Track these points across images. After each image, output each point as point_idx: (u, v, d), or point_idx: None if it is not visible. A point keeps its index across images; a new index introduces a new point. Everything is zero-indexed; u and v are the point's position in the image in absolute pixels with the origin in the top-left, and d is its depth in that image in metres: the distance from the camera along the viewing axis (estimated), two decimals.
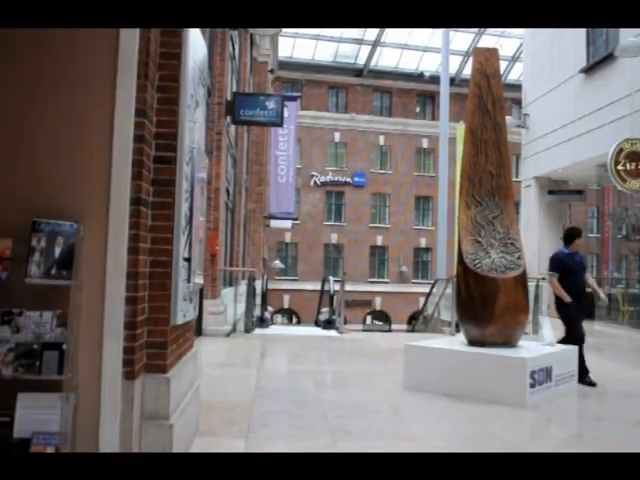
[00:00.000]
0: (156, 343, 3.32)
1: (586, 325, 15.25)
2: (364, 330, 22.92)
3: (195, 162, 3.77)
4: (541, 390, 5.63)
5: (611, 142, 12.23)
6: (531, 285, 10.85)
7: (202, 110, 4.28)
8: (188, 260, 3.64)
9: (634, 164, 11.92)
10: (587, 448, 4.35)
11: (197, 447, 3.83)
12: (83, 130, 3.00)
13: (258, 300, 14.51)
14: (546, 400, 5.62)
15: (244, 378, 6.46)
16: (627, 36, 12.80)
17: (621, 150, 11.89)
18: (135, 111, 3.07)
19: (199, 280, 4.14)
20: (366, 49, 35.73)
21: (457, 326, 9.33)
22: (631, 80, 13.00)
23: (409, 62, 36.92)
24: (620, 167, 11.91)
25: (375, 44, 35.06)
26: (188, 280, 3.67)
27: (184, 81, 3.51)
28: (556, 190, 17.65)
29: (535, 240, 17.41)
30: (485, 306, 5.87)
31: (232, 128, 13.55)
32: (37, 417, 2.71)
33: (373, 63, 36.85)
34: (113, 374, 2.95)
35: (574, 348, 6.62)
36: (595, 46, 15.36)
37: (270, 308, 16.17)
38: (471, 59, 7.07)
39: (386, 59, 36.66)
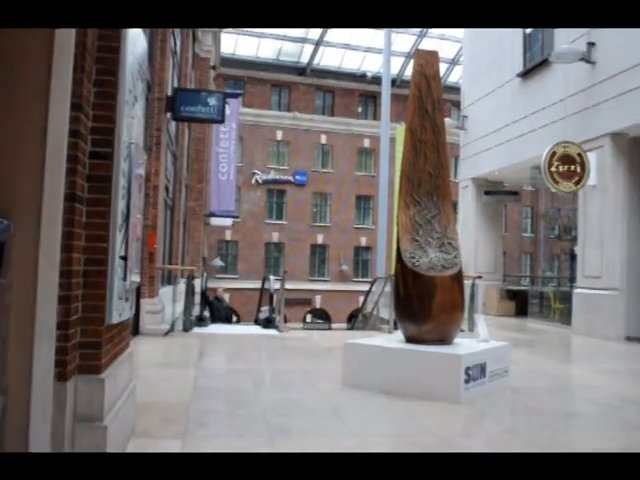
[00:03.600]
0: (90, 343, 3.24)
1: (519, 322, 15.78)
2: (304, 328, 23.00)
3: (133, 158, 3.70)
4: (475, 386, 5.77)
5: (545, 145, 12.61)
6: (467, 284, 11.10)
7: (141, 105, 4.20)
8: (124, 258, 3.57)
9: (566, 167, 12.32)
10: (519, 441, 4.49)
11: (132, 448, 3.76)
12: (15, 124, 2.90)
13: (197, 299, 14.37)
14: (480, 395, 5.76)
15: (181, 378, 6.38)
16: (562, 43, 13.24)
17: (554, 153, 12.28)
18: (71, 105, 2.99)
19: (136, 279, 4.07)
20: (309, 48, 35.83)
21: (395, 324, 9.45)
22: (565, 85, 13.46)
23: (352, 62, 37.21)
24: (553, 169, 12.29)
25: (318, 43, 35.19)
26: (124, 279, 3.60)
27: (122, 75, 3.44)
28: (492, 191, 18.09)
29: (472, 239, 17.83)
30: (422, 304, 5.97)
31: (172, 124, 13.35)
32: None
33: (316, 62, 36.98)
34: (44, 375, 2.87)
35: (507, 345, 6.82)
36: (531, 51, 15.82)
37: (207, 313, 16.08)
38: (412, 61, 7.17)
39: (329, 58, 36.85)
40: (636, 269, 11.92)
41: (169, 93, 11.31)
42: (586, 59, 12.40)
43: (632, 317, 11.75)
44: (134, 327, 8.88)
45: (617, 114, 11.78)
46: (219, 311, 16.01)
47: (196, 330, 11.09)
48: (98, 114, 3.33)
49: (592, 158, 12.30)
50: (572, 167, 12.29)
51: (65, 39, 2.94)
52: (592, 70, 12.49)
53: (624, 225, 11.94)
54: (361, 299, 17.99)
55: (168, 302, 11.32)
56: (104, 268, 3.31)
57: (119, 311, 3.52)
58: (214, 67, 24.16)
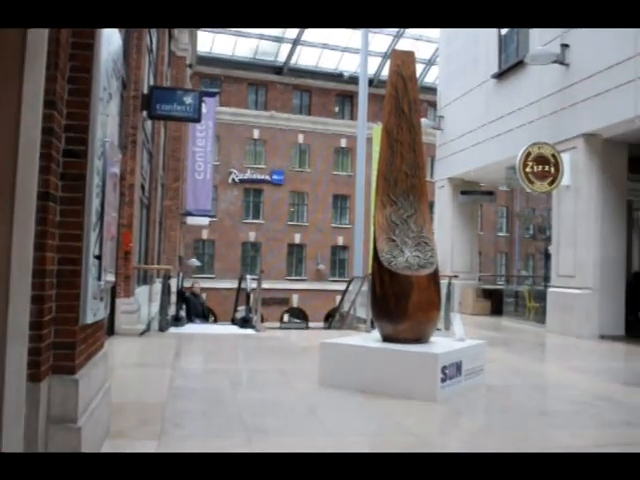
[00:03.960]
0: (64, 343, 3.20)
1: (495, 321, 15.92)
2: (281, 328, 22.97)
3: (107, 156, 3.67)
4: (452, 384, 5.81)
5: (520, 146, 12.74)
6: (443, 283, 11.17)
7: (116, 103, 4.16)
8: (99, 257, 3.54)
9: (541, 167, 12.46)
10: (495, 439, 4.54)
11: (107, 449, 3.72)
12: None
13: (173, 298, 14.28)
14: (456, 394, 5.80)
15: (157, 378, 6.34)
16: (536, 44, 13.39)
17: (529, 153, 12.41)
18: (44, 102, 2.95)
19: (111, 278, 4.03)
20: (286, 47, 35.81)
21: (372, 323, 9.49)
22: (539, 87, 13.61)
23: (329, 62, 37.27)
24: (528, 170, 12.42)
25: (295, 43, 35.18)
26: (99, 278, 3.56)
27: (97, 73, 3.40)
28: (468, 191, 18.22)
29: (448, 239, 17.95)
30: (399, 303, 6.00)
31: (148, 123, 13.24)
32: None
33: (293, 61, 36.96)
34: (17, 376, 2.82)
35: (483, 343, 6.89)
36: (507, 53, 15.97)
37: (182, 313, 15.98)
38: (389, 61, 7.19)
39: (306, 58, 36.86)
40: (609, 268, 12.10)
41: (145, 91, 11.22)
42: (560, 61, 12.55)
43: (605, 316, 11.93)
44: (109, 327, 8.79)
45: (590, 115, 11.95)
46: (195, 307, 15.82)
47: (172, 330, 11.01)
48: (72, 111, 3.29)
49: (566, 159, 12.46)
50: (546, 167, 12.44)
51: (38, 35, 2.90)
52: (566, 72, 12.65)
53: (597, 225, 12.11)
54: (338, 298, 18.02)
55: (144, 302, 11.23)
56: (78, 267, 3.27)
57: (93, 311, 3.48)
58: (190, 65, 24.06)
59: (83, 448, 3.16)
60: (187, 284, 18.22)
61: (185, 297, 15.95)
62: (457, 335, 6.71)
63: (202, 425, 4.63)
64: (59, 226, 3.21)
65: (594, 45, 11.85)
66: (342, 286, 18.44)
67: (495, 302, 17.36)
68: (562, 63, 12.59)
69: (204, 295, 33.51)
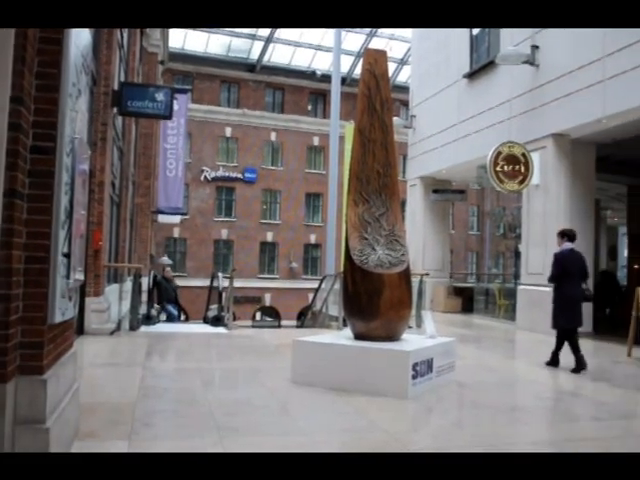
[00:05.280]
0: (31, 343, 3.15)
1: (466, 318, 16.06)
2: (253, 326, 22.84)
3: (76, 153, 3.61)
4: (423, 381, 5.86)
5: (491, 145, 12.87)
6: (415, 281, 11.24)
7: (85, 99, 4.10)
8: (67, 256, 3.48)
9: (511, 166, 12.61)
10: (465, 435, 4.58)
11: (76, 450, 3.68)
12: None
13: (144, 297, 14.14)
14: (428, 391, 5.85)
15: (128, 378, 6.27)
16: (507, 45, 13.53)
17: (500, 153, 12.54)
18: (10, 98, 2.90)
19: (80, 277, 3.97)
20: (259, 45, 35.67)
21: (344, 321, 9.51)
22: (510, 87, 13.77)
23: (302, 60, 37.20)
24: (499, 169, 12.56)
25: (268, 40, 35.06)
26: (67, 277, 3.51)
27: (66, 68, 3.34)
28: (440, 189, 18.35)
29: (420, 237, 18.07)
30: (370, 301, 6.02)
31: (119, 119, 13.07)
32: None
33: (266, 59, 36.82)
34: None
35: (454, 340, 6.96)
36: (478, 53, 16.12)
37: (157, 305, 15.74)
38: (362, 60, 7.21)
39: (279, 56, 36.74)
40: None
41: (115, 87, 11.07)
42: (530, 62, 12.71)
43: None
44: (79, 326, 8.68)
45: (559, 116, 12.12)
46: (167, 292, 15.34)
47: (143, 329, 10.91)
48: (40, 107, 3.23)
49: (536, 158, 12.62)
50: (517, 167, 12.59)
51: (4, 29, 2.84)
52: (536, 72, 12.81)
53: (566, 224, 12.26)
54: (311, 297, 18.02)
55: (114, 301, 11.10)
56: (46, 266, 3.21)
57: (62, 310, 3.43)
58: (162, 62, 23.83)
59: (51, 449, 3.11)
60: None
61: (157, 281, 15.57)
62: (428, 333, 6.76)
63: (173, 425, 4.59)
64: (26, 224, 3.15)
65: (563, 47, 12.03)
66: (315, 284, 18.44)
67: (466, 300, 17.52)
68: (532, 64, 12.75)
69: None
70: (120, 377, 6.44)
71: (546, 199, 12.58)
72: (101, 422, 4.39)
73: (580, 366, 7.52)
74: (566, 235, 8.23)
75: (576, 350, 7.66)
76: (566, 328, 7.86)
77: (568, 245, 8.12)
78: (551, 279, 8.16)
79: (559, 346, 7.92)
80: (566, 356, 9.65)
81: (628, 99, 10.33)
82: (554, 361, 7.91)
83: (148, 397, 5.38)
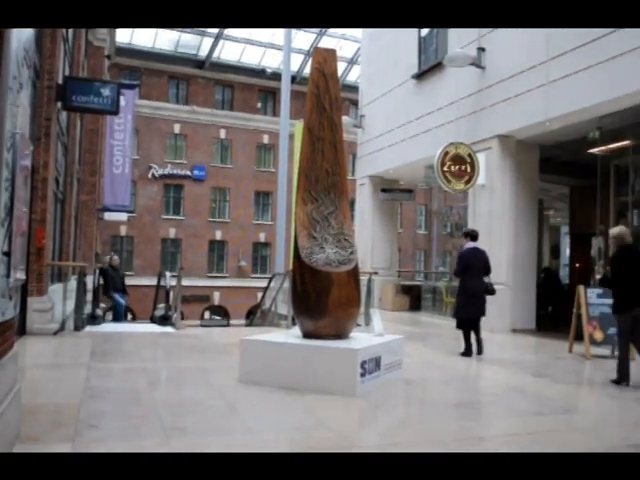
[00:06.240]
0: None
1: (413, 316, 16.24)
2: (202, 325, 22.68)
3: (18, 149, 3.52)
4: (371, 379, 5.91)
5: (439, 145, 13.07)
6: (364, 279, 11.33)
7: (27, 93, 3.99)
8: (8, 254, 3.39)
9: (458, 166, 12.83)
10: (413, 432, 4.65)
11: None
12: None
13: (89, 297, 13.85)
14: (375, 388, 5.90)
15: (72, 379, 6.13)
16: (455, 47, 13.76)
17: (447, 153, 12.75)
18: None
19: (21, 276, 3.87)
20: (209, 41, 35.30)
21: (293, 320, 9.52)
22: (457, 88, 14.00)
23: (252, 57, 37.02)
24: (446, 169, 12.76)
25: (218, 37, 34.76)
26: (7, 276, 3.41)
27: (6, 61, 3.25)
28: (388, 189, 18.53)
29: (368, 236, 18.22)
30: (319, 299, 6.04)
31: (63, 114, 12.76)
32: None
33: (215, 55, 36.50)
34: None
35: (401, 338, 7.04)
36: (426, 54, 16.34)
37: (102, 305, 15.41)
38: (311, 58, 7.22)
39: (229, 53, 36.47)
40: (522, 265, 12.61)
41: (60, 81, 10.80)
42: (476, 64, 12.96)
43: (517, 310, 12.43)
44: (20, 326, 8.43)
45: (504, 117, 12.40)
46: (114, 281, 14.84)
47: (88, 329, 10.70)
48: None
49: (481, 158, 12.88)
50: (463, 167, 12.82)
51: None
52: (482, 74, 13.06)
53: (510, 223, 12.59)
54: (260, 295, 17.95)
55: (58, 300, 10.83)
56: None
57: (2, 310, 3.34)
58: (109, 56, 23.37)
59: None
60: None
61: (103, 269, 15.16)
62: (376, 330, 6.83)
63: (119, 426, 4.51)
64: None
65: (508, 49, 12.31)
66: (264, 283, 18.39)
67: (414, 298, 17.76)
68: (478, 66, 13.00)
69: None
70: (64, 378, 6.29)
71: (491, 199, 12.85)
72: (44, 424, 4.29)
73: (467, 352, 8.60)
74: (469, 235, 9.13)
75: (468, 339, 8.68)
76: (466, 317, 8.78)
77: (471, 244, 8.98)
78: (456, 274, 9.14)
79: (467, 336, 8.74)
80: (509, 354, 9.90)
81: (570, 102, 10.65)
82: (468, 351, 8.69)
83: (93, 398, 5.28)
